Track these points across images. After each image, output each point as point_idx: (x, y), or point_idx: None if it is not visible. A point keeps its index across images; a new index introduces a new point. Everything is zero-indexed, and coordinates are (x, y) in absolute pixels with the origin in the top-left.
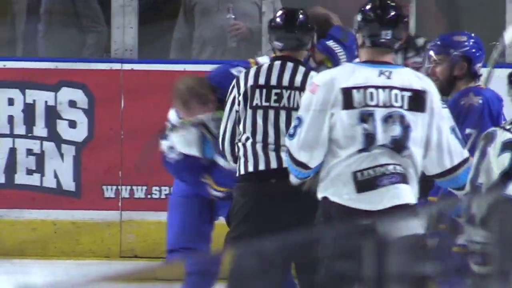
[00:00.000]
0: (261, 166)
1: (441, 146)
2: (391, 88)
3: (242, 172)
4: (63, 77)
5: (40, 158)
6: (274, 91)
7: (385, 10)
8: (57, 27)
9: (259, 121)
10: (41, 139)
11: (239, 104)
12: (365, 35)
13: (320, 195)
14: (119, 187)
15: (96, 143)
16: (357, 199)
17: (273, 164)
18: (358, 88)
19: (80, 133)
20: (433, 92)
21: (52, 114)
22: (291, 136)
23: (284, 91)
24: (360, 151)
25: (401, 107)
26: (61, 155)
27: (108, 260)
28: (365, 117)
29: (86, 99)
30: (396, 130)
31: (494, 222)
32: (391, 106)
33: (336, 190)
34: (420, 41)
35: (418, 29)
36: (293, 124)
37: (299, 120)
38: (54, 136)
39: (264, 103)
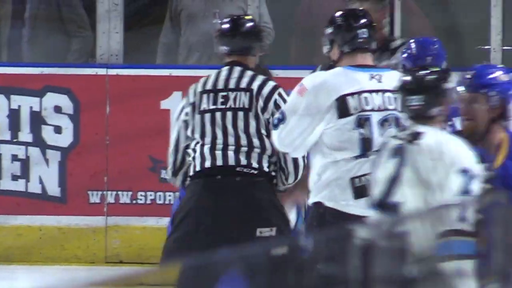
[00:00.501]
0: (207, 164)
1: None
2: (384, 91)
3: (191, 173)
4: (48, 83)
5: (25, 164)
6: (220, 94)
7: (354, 14)
8: (42, 32)
9: (207, 124)
10: (26, 144)
11: (186, 114)
12: (341, 43)
13: (312, 200)
14: (105, 193)
15: (81, 149)
16: (355, 205)
17: (219, 162)
18: (352, 94)
19: (65, 139)
20: None
21: (37, 119)
22: (274, 126)
23: (230, 93)
24: (357, 157)
25: (395, 109)
26: (46, 161)
27: (93, 266)
28: (362, 122)
29: (71, 104)
30: (392, 133)
31: (496, 226)
32: (386, 109)
33: (332, 196)
34: (397, 43)
35: (403, 32)
36: (276, 115)
37: (283, 115)
38: (39, 142)
39: (211, 107)
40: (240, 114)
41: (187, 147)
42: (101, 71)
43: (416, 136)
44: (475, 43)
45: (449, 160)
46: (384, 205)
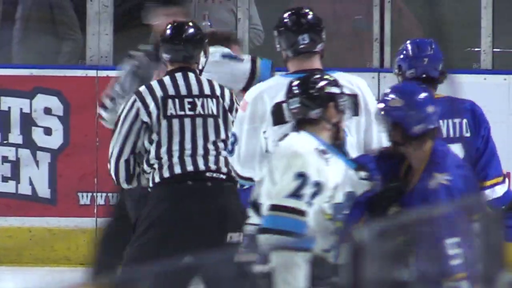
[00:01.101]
0: (177, 170)
1: (381, 145)
2: None
3: (157, 180)
4: (39, 84)
5: (15, 165)
6: (186, 100)
7: (297, 17)
8: (33, 34)
9: (175, 129)
10: (16, 146)
11: (147, 117)
12: (285, 47)
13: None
14: (94, 194)
15: (71, 150)
16: None
17: (189, 167)
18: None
19: (55, 140)
20: (366, 94)
21: (27, 121)
22: (230, 152)
23: (196, 99)
24: None
25: None
26: (37, 162)
27: (83, 267)
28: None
29: (62, 106)
30: None
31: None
32: None
33: None
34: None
35: (394, 35)
36: (229, 140)
37: (234, 137)
38: (29, 143)
39: (179, 112)
40: (210, 120)
41: (141, 153)
42: (91, 73)
43: (282, 138)
44: (465, 45)
45: (288, 161)
46: (256, 206)
